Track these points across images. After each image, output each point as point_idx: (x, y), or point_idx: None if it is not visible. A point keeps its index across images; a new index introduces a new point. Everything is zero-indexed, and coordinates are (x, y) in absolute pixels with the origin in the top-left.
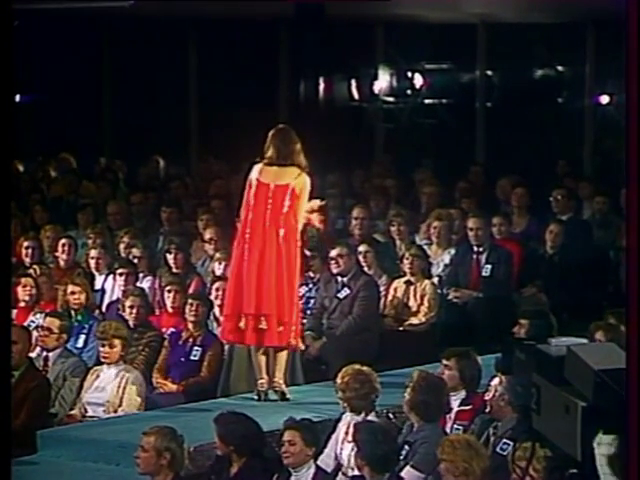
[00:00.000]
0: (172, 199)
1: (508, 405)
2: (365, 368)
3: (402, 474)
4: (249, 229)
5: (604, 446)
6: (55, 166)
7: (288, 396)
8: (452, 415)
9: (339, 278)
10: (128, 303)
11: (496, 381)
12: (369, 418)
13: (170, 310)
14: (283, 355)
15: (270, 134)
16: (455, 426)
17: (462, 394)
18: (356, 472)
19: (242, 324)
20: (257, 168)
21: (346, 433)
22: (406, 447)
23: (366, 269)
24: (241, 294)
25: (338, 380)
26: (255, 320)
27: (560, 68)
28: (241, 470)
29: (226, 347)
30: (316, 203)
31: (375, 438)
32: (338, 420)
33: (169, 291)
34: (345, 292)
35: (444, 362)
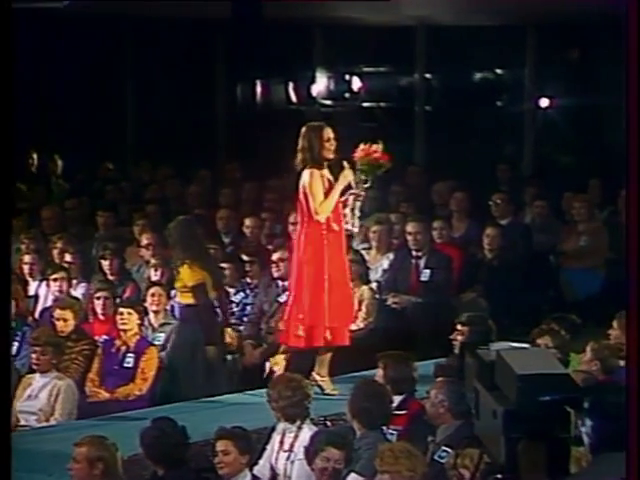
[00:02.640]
0: (108, 203)
1: (448, 412)
2: (295, 375)
3: None
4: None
5: (526, 452)
6: None
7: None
8: None
9: (280, 282)
10: (57, 314)
11: (436, 387)
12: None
13: (102, 317)
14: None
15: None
16: (389, 431)
17: (397, 399)
18: None
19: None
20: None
21: (281, 443)
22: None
23: None
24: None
25: (270, 391)
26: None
27: (500, 71)
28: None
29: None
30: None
31: None
32: (272, 430)
33: (98, 298)
34: (286, 296)
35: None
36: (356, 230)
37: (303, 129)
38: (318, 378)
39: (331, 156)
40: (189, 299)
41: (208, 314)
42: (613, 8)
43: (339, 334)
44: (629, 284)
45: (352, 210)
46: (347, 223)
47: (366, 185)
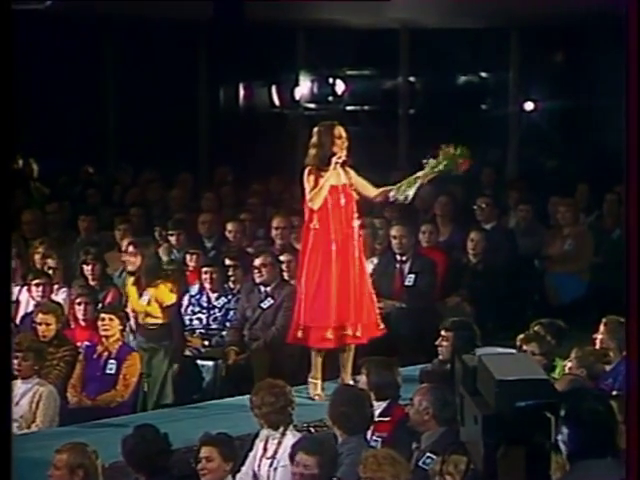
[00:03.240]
0: (90, 207)
1: (432, 418)
2: (278, 381)
3: None
4: None
5: (505, 457)
6: None
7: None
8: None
9: (262, 288)
10: (39, 318)
11: (420, 393)
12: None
13: (83, 323)
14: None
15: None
16: (374, 438)
17: (382, 405)
18: None
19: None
20: None
21: (264, 449)
22: None
23: (288, 279)
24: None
25: (253, 397)
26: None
27: (484, 74)
28: None
29: None
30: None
31: None
32: (255, 437)
33: (79, 304)
34: (269, 302)
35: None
36: (403, 199)
37: (316, 128)
38: (311, 381)
39: (342, 153)
40: (165, 319)
41: (180, 331)
42: (611, 8)
43: (314, 335)
44: (629, 284)
45: (412, 181)
46: (397, 192)
47: (435, 174)
